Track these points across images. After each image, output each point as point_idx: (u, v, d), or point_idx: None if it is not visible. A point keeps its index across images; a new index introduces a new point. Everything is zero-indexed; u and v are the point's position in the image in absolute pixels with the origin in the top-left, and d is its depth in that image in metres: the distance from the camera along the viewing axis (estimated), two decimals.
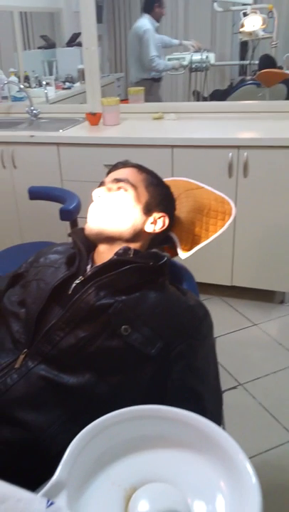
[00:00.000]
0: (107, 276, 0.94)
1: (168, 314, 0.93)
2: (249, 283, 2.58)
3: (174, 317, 0.93)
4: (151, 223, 1.07)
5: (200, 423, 0.62)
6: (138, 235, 1.06)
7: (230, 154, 2.30)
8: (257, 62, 4.41)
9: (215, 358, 0.99)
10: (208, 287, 2.63)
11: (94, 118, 2.68)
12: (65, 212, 1.95)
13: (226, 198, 1.23)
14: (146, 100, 4.13)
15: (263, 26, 4.11)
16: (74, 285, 0.98)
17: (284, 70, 3.94)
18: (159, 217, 1.08)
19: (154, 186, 1.09)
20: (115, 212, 1.04)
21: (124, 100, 3.10)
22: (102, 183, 1.13)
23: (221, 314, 2.54)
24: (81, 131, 2.66)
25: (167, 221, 1.09)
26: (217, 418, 0.94)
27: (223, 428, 0.97)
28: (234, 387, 2.05)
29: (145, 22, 4.09)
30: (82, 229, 1.12)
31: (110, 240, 1.04)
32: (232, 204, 1.21)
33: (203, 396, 0.91)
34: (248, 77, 4.47)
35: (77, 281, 0.98)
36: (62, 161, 2.60)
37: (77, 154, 2.56)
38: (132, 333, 0.89)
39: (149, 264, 0.97)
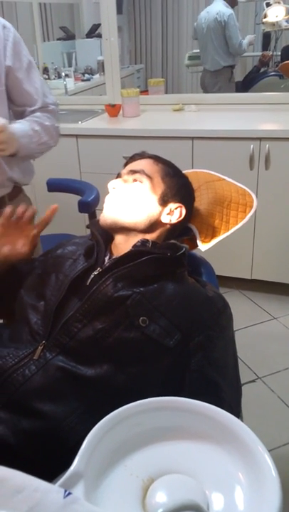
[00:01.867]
0: (124, 268, 0.94)
1: (186, 306, 0.92)
2: (269, 276, 2.55)
3: (193, 308, 0.93)
4: (168, 214, 1.06)
5: (219, 415, 0.62)
6: (154, 225, 1.05)
7: (252, 146, 2.26)
8: (279, 53, 4.34)
9: (234, 350, 0.98)
10: (228, 280, 2.61)
11: (113, 110, 2.67)
12: (84, 205, 1.96)
13: (248, 190, 1.22)
14: (226, 89, 4.06)
15: (287, 17, 4.02)
16: (92, 276, 0.98)
17: None
18: (176, 208, 1.07)
19: (171, 177, 1.08)
20: (130, 202, 1.04)
21: (144, 92, 3.09)
22: (118, 175, 1.12)
23: (240, 308, 2.52)
24: (100, 123, 2.66)
25: (184, 212, 1.07)
26: (236, 410, 0.93)
27: (242, 421, 0.97)
28: (253, 381, 2.04)
29: (223, 7, 3.95)
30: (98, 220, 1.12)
31: (125, 230, 1.03)
32: (254, 196, 1.20)
33: (221, 388, 0.90)
34: (271, 69, 4.41)
35: (95, 273, 0.98)
36: (81, 153, 2.60)
37: (96, 146, 2.56)
38: (149, 325, 0.88)
39: (167, 254, 0.97)
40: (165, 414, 0.64)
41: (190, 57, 4.56)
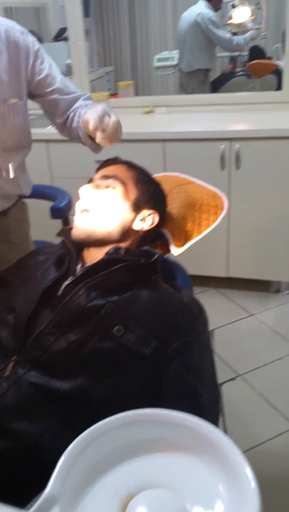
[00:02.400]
0: (97, 277, 0.93)
1: (161, 312, 0.92)
2: (245, 274, 2.57)
3: (168, 315, 0.92)
4: (140, 220, 1.05)
5: (197, 425, 0.61)
6: (127, 233, 1.04)
7: (222, 147, 2.28)
8: (246, 53, 4.38)
9: (211, 354, 0.98)
10: (205, 279, 2.63)
11: None
12: (56, 211, 1.94)
13: (218, 191, 1.22)
14: (199, 91, 4.01)
15: (252, 18, 4.07)
16: (64, 286, 0.96)
17: (273, 61, 3.92)
18: (149, 215, 1.06)
19: (144, 183, 1.07)
20: (103, 212, 1.02)
21: (114, 95, 3.07)
22: (90, 180, 1.11)
23: (217, 306, 2.54)
24: None
25: (157, 219, 1.07)
26: (214, 416, 0.93)
27: (224, 420, 0.96)
28: (233, 379, 2.05)
29: (205, 9, 3.90)
30: (72, 228, 1.11)
31: (100, 242, 1.02)
32: (224, 198, 1.20)
33: (199, 394, 0.90)
34: (238, 69, 4.44)
35: (67, 282, 0.96)
36: (52, 158, 2.57)
37: (67, 151, 2.53)
38: (125, 334, 0.87)
39: (140, 261, 0.96)
40: (141, 428, 0.63)
41: (159, 60, 4.56)
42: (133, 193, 1.05)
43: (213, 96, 3.12)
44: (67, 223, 2.03)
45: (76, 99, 1.33)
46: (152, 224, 1.06)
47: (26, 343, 0.91)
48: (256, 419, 1.84)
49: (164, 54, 4.52)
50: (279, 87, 3.49)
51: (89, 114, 1.11)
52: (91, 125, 1.06)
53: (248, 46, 4.25)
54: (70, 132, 1.36)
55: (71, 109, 1.32)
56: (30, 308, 0.94)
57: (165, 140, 2.36)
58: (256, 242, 2.46)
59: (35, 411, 0.85)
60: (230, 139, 2.27)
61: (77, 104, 1.32)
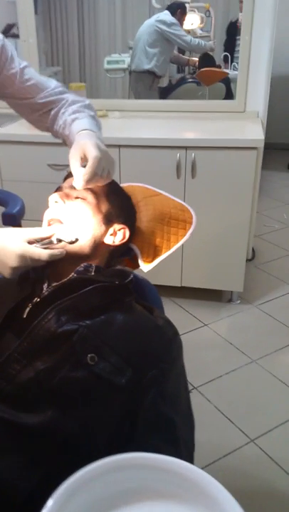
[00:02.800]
0: (68, 299, 0.85)
1: (137, 338, 0.86)
2: (198, 283, 2.56)
3: (143, 341, 0.86)
4: (111, 235, 0.99)
5: (187, 470, 0.56)
6: (97, 248, 0.97)
7: (178, 155, 2.26)
8: (195, 59, 4.42)
9: (185, 379, 0.94)
10: (158, 288, 2.58)
11: None
12: (8, 217, 1.83)
13: (186, 205, 1.18)
14: (148, 96, 3.93)
15: (201, 25, 4.12)
16: (29, 307, 0.88)
17: (222, 69, 3.98)
18: (119, 229, 1.00)
19: (116, 195, 1.01)
20: (74, 225, 0.96)
21: None
22: (59, 189, 1.03)
23: (172, 315, 2.46)
24: (21, 129, 2.51)
25: (128, 233, 1.01)
26: (190, 447, 0.88)
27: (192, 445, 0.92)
28: (189, 391, 2.02)
29: (168, 16, 3.91)
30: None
31: (69, 257, 0.94)
32: (192, 212, 1.16)
33: (176, 424, 0.85)
34: (188, 76, 4.47)
35: (32, 303, 0.89)
36: (2, 160, 2.45)
37: (18, 153, 2.42)
38: (99, 362, 0.81)
39: (115, 283, 0.90)
40: (128, 474, 0.57)
41: (109, 62, 4.50)
42: (104, 206, 0.99)
43: (165, 102, 3.10)
44: None
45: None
46: (123, 239, 1.00)
47: None
48: (213, 433, 1.82)
49: (115, 57, 4.46)
50: (227, 96, 3.55)
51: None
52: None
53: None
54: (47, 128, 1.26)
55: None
56: None
57: (120, 146, 2.31)
58: (209, 251, 2.46)
59: (1, 448, 0.77)
60: (185, 148, 2.26)
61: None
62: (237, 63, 3.84)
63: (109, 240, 0.98)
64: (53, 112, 1.17)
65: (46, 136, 2.40)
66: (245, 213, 2.33)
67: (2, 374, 0.81)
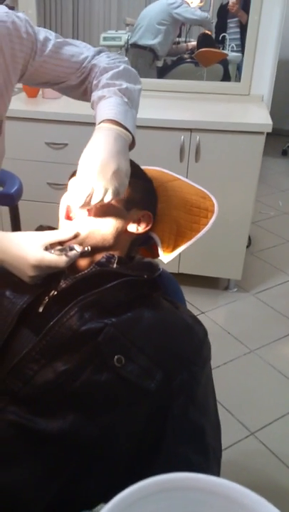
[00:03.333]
0: (93, 294, 0.78)
1: (167, 338, 0.79)
2: (196, 270, 2.51)
3: (174, 341, 0.79)
4: (134, 222, 0.92)
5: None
6: (119, 237, 0.90)
7: (183, 137, 2.17)
8: (192, 39, 4.30)
9: (212, 383, 0.87)
10: None
11: (32, 90, 2.42)
12: (5, 197, 1.73)
13: (207, 192, 1.11)
14: (147, 74, 3.80)
15: (201, 4, 4.00)
16: (46, 300, 0.81)
17: (221, 50, 3.88)
18: (143, 216, 0.93)
19: (136, 179, 0.93)
20: (97, 217, 0.87)
21: None
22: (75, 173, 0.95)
23: None
24: (18, 104, 2.40)
25: (151, 221, 0.94)
26: (218, 454, 0.83)
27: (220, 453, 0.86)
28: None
29: None
30: (49, 227, 0.95)
31: (92, 249, 0.86)
32: (214, 199, 1.10)
33: (205, 431, 0.79)
34: (186, 55, 4.35)
35: (49, 296, 0.81)
36: None
37: (14, 129, 2.29)
38: (126, 364, 0.74)
39: (144, 276, 0.82)
40: (175, 498, 0.51)
41: (105, 38, 4.34)
42: (126, 191, 0.90)
43: (170, 82, 2.98)
44: (16, 211, 1.83)
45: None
46: (147, 226, 0.93)
47: (2, 371, 0.75)
48: None
49: (111, 33, 4.30)
50: (225, 78, 3.47)
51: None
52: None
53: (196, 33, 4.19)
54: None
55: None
56: (7, 330, 0.77)
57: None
58: (209, 238, 2.38)
59: (15, 456, 0.70)
60: (190, 130, 2.17)
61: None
62: (234, 45, 3.76)
63: (132, 227, 0.91)
64: (88, 89, 1.06)
65: (44, 112, 2.30)
66: (249, 200, 2.27)
67: (18, 374, 0.73)
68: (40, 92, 2.47)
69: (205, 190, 1.11)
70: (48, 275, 0.83)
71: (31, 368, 0.73)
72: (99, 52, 1.08)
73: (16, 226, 1.86)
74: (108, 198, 0.82)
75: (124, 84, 0.98)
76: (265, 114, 2.31)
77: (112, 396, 0.73)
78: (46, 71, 1.02)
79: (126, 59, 1.07)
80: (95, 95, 0.98)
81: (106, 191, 0.81)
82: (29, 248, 0.80)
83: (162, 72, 4.15)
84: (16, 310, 0.79)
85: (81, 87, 1.07)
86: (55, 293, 0.81)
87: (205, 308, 2.44)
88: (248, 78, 2.52)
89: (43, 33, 1.02)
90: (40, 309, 0.80)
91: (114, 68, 1.01)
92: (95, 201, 0.82)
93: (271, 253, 3.00)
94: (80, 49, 1.06)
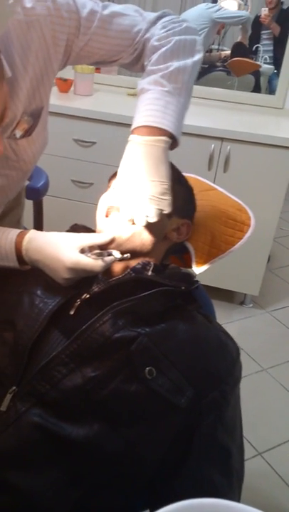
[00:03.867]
0: (128, 301, 0.74)
1: (200, 354, 0.76)
2: (212, 282, 2.46)
3: (206, 357, 0.76)
4: (174, 230, 0.89)
5: None
6: (157, 244, 0.87)
7: (213, 146, 2.14)
8: (225, 49, 4.27)
9: (240, 404, 0.84)
10: None
11: (64, 84, 2.40)
12: (32, 191, 1.71)
13: (243, 204, 1.08)
14: None
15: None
16: (78, 303, 0.78)
17: (255, 61, 3.85)
18: (182, 224, 0.90)
19: (179, 185, 0.90)
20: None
21: (97, 69, 2.83)
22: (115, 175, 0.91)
23: None
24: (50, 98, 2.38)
25: (190, 229, 0.91)
26: (240, 478, 0.79)
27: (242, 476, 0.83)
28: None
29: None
30: (84, 227, 0.92)
31: (129, 253, 0.83)
32: (250, 213, 1.06)
33: (231, 454, 0.75)
34: (219, 63, 4.32)
35: (81, 299, 0.78)
36: None
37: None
38: (157, 377, 0.70)
39: (181, 288, 0.79)
40: None
41: None
42: None
43: (203, 88, 2.94)
44: (40, 206, 1.81)
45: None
46: (186, 236, 0.90)
47: (29, 371, 0.72)
48: None
49: None
50: (255, 89, 3.43)
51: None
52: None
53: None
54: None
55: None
56: (37, 330, 0.74)
57: None
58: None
59: (38, 460, 0.67)
60: (221, 139, 2.14)
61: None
62: (267, 57, 3.71)
63: (172, 236, 0.88)
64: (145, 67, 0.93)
65: (74, 108, 2.28)
66: (274, 215, 2.23)
67: (45, 376, 0.71)
68: (72, 88, 2.46)
69: (241, 203, 1.07)
70: (82, 278, 0.80)
71: (59, 371, 0.70)
72: (156, 21, 0.93)
73: (38, 221, 1.83)
74: (152, 220, 0.79)
75: (172, 66, 0.85)
76: None
77: (140, 408, 0.71)
78: (93, 50, 0.92)
79: (185, 25, 0.92)
80: (139, 85, 0.88)
81: (147, 217, 0.79)
82: (65, 250, 0.77)
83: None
84: (47, 310, 0.76)
85: (137, 65, 0.96)
86: (88, 296, 0.78)
87: (219, 322, 2.39)
88: (284, 92, 2.49)
89: (89, 5, 0.89)
90: (72, 312, 0.77)
91: (164, 46, 0.88)
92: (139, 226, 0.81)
93: None
94: (132, 20, 0.92)
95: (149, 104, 0.82)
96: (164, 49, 0.88)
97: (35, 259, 0.81)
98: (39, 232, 0.83)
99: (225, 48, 4.37)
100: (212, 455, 0.73)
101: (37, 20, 0.83)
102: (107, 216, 0.85)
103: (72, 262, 0.76)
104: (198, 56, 0.91)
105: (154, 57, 0.88)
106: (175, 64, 0.86)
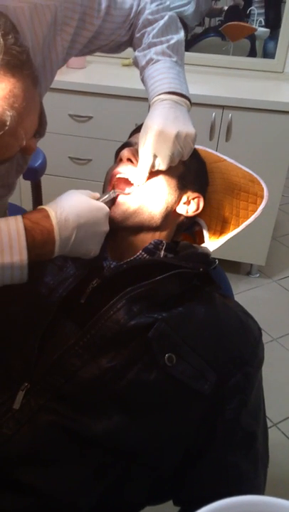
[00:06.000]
0: (142, 285, 0.70)
1: (220, 337, 0.72)
2: (218, 253, 2.40)
3: (228, 340, 0.73)
4: (184, 203, 0.85)
5: None
6: (168, 218, 0.83)
7: (214, 114, 2.07)
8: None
9: (262, 386, 0.81)
10: None
11: None
12: (29, 171, 1.66)
13: (255, 175, 1.03)
14: None
15: None
16: (90, 290, 0.74)
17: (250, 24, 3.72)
18: (193, 198, 0.86)
19: (192, 157, 0.86)
20: (150, 188, 0.81)
21: None
22: (127, 144, 0.87)
23: None
24: None
25: (202, 203, 0.87)
26: (266, 461, 0.77)
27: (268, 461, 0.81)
28: None
29: None
30: None
31: (136, 227, 0.80)
32: (263, 184, 1.02)
33: (257, 438, 0.73)
34: (211, 29, 4.18)
35: (92, 285, 0.74)
36: None
37: None
38: (178, 364, 0.67)
39: (199, 270, 0.75)
40: None
41: None
42: (179, 168, 0.84)
43: (198, 55, 2.84)
44: (38, 186, 1.76)
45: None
46: (197, 210, 0.86)
47: (42, 365, 0.68)
48: None
49: None
50: (251, 53, 3.32)
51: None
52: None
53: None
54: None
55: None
56: (46, 320, 0.71)
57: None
58: None
59: (57, 458, 0.65)
60: (222, 107, 2.07)
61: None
62: (262, 19, 3.58)
63: (182, 209, 0.84)
64: (134, 43, 0.96)
65: (68, 82, 2.20)
66: (279, 183, 2.18)
67: (59, 369, 0.67)
68: None
69: (253, 173, 1.03)
70: (88, 261, 0.75)
71: (74, 364, 0.67)
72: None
73: (37, 201, 1.79)
74: (174, 162, 0.79)
75: (173, 39, 0.91)
76: None
77: (161, 397, 0.68)
78: (104, 31, 0.91)
79: (168, 3, 0.97)
80: (140, 56, 0.91)
81: (170, 157, 0.78)
82: (93, 201, 0.72)
83: (186, 46, 3.99)
84: (56, 297, 0.73)
85: (128, 42, 0.97)
86: (99, 281, 0.74)
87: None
88: (283, 55, 2.40)
89: None
90: (83, 300, 0.73)
91: (158, 20, 0.92)
92: (160, 168, 0.78)
93: None
94: None
95: (165, 73, 0.85)
96: (161, 22, 0.92)
97: (76, 225, 0.69)
98: (54, 203, 0.72)
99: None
100: (236, 441, 0.71)
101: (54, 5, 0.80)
102: (112, 188, 0.81)
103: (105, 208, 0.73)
104: (182, 32, 0.96)
105: (154, 30, 0.90)
106: (175, 37, 0.91)
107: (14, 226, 0.64)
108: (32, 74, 0.61)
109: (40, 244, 0.66)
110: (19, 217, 0.66)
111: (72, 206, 0.69)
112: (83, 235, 0.69)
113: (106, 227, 0.73)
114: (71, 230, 0.68)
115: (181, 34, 0.93)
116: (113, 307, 0.69)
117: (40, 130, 0.74)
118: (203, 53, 2.92)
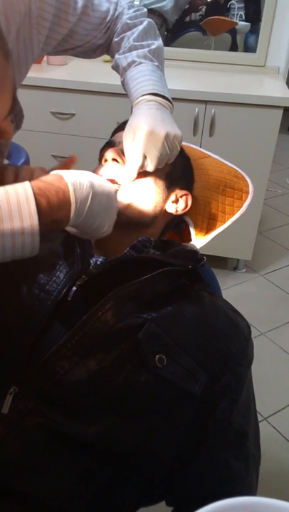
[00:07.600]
0: (131, 284, 0.69)
1: (210, 336, 0.71)
2: (204, 249, 2.40)
3: (218, 339, 0.72)
4: (173, 202, 0.84)
5: None
6: (157, 216, 0.83)
7: (197, 109, 2.06)
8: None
9: (252, 385, 0.81)
10: None
11: None
12: None
13: (240, 171, 1.03)
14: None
15: None
16: (75, 288, 0.73)
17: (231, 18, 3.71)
18: (181, 196, 0.85)
19: (178, 155, 0.85)
20: (138, 185, 0.80)
21: None
22: (110, 144, 0.86)
23: None
24: None
25: (190, 201, 0.86)
26: (257, 460, 0.77)
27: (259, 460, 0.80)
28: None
29: None
30: None
31: (125, 225, 0.78)
32: (248, 180, 1.01)
33: (247, 437, 0.73)
34: (192, 23, 4.16)
35: (79, 283, 0.73)
36: None
37: (20, 98, 2.17)
38: (168, 365, 0.66)
39: (188, 267, 0.74)
40: None
41: None
42: (167, 167, 0.83)
43: (180, 50, 2.84)
44: None
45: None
46: (186, 207, 0.85)
47: (30, 368, 0.67)
48: None
49: None
50: (232, 48, 3.32)
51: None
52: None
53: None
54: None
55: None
56: (41, 324, 0.69)
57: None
58: None
59: (47, 463, 0.63)
60: (205, 102, 2.06)
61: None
62: (243, 13, 3.57)
63: (171, 207, 0.83)
64: (112, 47, 0.95)
65: (48, 79, 2.17)
66: (263, 177, 2.18)
67: (48, 372, 0.66)
68: (45, 58, 2.34)
69: (238, 169, 1.02)
70: (78, 260, 0.74)
71: (62, 367, 0.65)
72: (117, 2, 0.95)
73: None
74: (161, 164, 0.78)
75: (154, 44, 0.91)
76: (282, 87, 2.20)
77: (152, 399, 0.66)
78: (79, 31, 0.89)
79: (145, 10, 0.97)
80: (121, 59, 0.90)
81: (159, 158, 0.77)
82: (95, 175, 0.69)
83: (166, 41, 3.97)
84: (50, 301, 0.71)
85: (105, 47, 0.96)
86: (85, 279, 0.72)
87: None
88: (264, 49, 2.40)
89: None
90: (69, 297, 0.72)
91: (137, 25, 0.92)
92: (148, 169, 0.78)
93: (280, 232, 2.93)
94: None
95: (148, 75, 0.85)
96: (141, 27, 0.92)
97: (91, 190, 0.65)
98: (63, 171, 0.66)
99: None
100: (228, 440, 0.70)
101: None
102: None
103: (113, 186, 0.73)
104: (160, 39, 0.96)
105: (134, 34, 0.91)
106: (155, 43, 0.92)
107: (22, 191, 0.58)
108: (3, 46, 0.57)
109: (56, 207, 0.61)
110: (27, 183, 0.60)
111: (85, 174, 0.67)
112: (98, 204, 0.66)
113: (117, 204, 0.72)
114: (86, 194, 0.64)
115: (160, 41, 0.94)
116: (101, 308, 0.68)
117: (16, 119, 0.72)
118: (185, 48, 2.91)
